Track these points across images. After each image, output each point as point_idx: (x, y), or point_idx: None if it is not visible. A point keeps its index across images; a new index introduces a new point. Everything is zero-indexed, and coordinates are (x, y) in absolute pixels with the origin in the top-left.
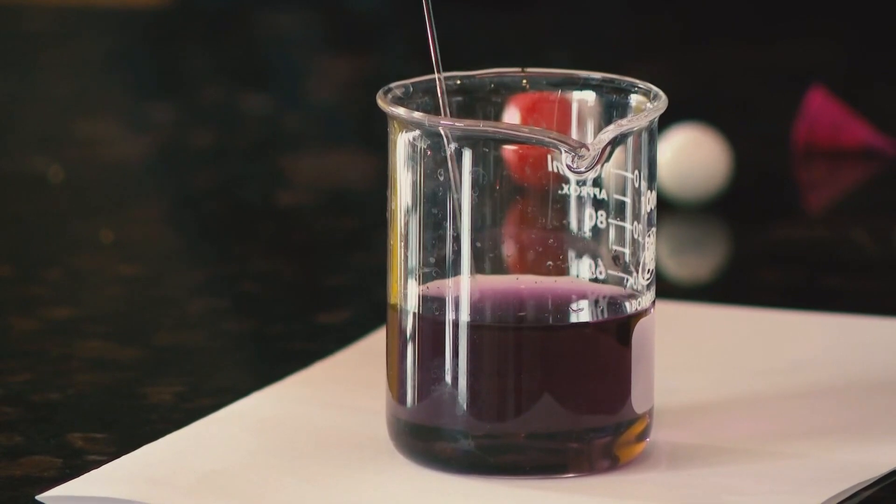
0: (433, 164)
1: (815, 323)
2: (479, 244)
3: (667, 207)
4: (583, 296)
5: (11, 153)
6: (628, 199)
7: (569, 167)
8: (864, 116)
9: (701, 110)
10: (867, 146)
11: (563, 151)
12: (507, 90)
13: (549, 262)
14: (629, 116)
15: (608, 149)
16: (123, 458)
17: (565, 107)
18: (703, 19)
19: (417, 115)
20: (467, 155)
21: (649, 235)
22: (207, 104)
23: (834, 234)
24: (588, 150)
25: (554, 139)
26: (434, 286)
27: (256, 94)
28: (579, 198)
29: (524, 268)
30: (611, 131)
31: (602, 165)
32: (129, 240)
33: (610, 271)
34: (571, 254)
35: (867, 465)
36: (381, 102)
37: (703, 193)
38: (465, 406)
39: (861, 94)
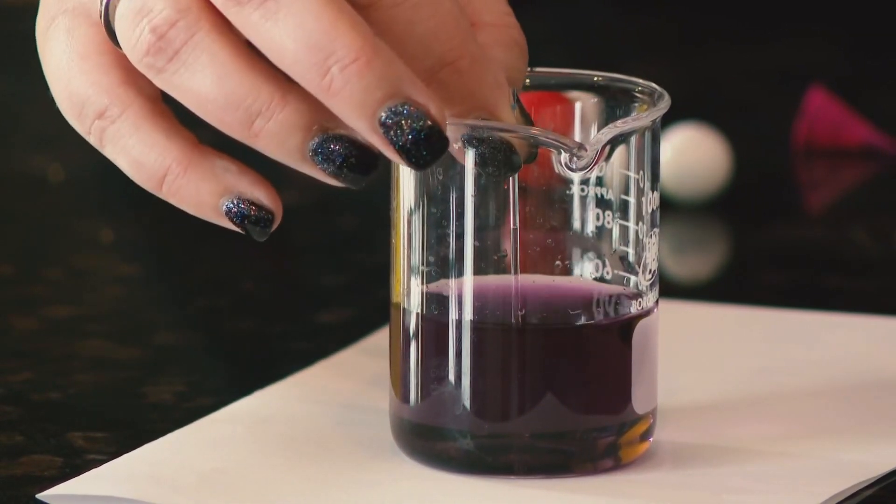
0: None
1: (816, 322)
2: (482, 244)
3: (667, 207)
4: (586, 295)
5: (11, 153)
6: (632, 199)
7: (567, 167)
8: (864, 116)
9: (701, 110)
10: (867, 146)
11: (561, 152)
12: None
13: (558, 262)
14: (629, 116)
15: (606, 149)
16: (124, 456)
17: (568, 106)
18: (703, 19)
19: None
20: (470, 154)
21: (652, 236)
22: None
23: (834, 233)
24: (586, 150)
25: (551, 139)
26: (437, 286)
27: None
28: (584, 197)
29: (529, 267)
30: (607, 132)
31: (600, 166)
32: (129, 240)
33: (616, 271)
34: (577, 253)
35: (868, 464)
36: None
37: (704, 193)
38: (467, 406)
39: (861, 93)
